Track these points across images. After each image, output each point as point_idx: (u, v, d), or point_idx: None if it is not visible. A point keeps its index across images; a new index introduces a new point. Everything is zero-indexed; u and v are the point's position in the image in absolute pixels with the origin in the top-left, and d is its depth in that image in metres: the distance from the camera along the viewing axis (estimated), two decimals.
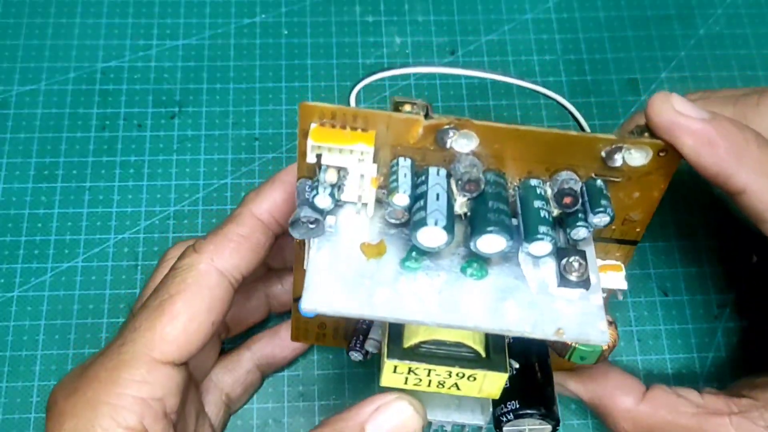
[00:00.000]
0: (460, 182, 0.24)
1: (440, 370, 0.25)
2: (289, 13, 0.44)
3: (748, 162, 0.25)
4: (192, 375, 0.31)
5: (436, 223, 0.23)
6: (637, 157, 0.25)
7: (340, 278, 0.24)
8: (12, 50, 0.42)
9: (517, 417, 0.27)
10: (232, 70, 0.43)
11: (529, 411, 0.27)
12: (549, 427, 0.28)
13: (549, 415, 0.27)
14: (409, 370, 0.25)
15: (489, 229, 0.24)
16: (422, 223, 0.23)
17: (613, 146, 0.25)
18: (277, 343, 0.35)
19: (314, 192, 0.24)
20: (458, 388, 0.26)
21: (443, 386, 0.26)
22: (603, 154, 0.25)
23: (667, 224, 0.40)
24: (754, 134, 0.26)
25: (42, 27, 0.43)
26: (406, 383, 0.26)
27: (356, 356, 0.30)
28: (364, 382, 0.36)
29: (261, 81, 0.42)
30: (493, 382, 0.26)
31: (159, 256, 0.38)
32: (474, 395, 0.26)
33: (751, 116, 0.30)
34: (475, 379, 0.26)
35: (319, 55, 0.43)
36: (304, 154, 0.24)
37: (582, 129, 0.27)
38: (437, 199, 0.24)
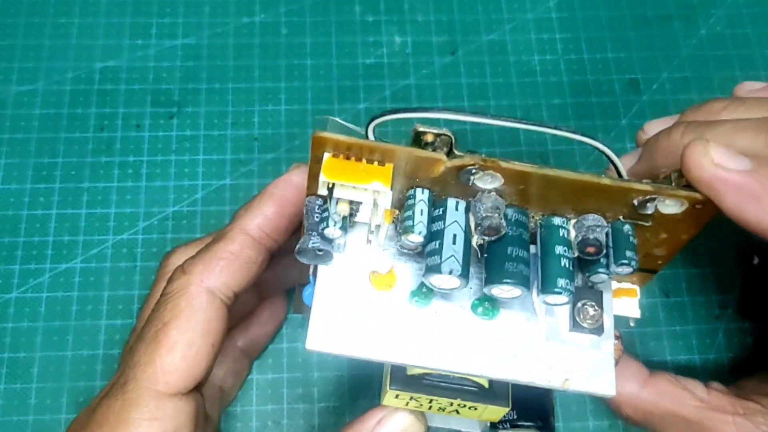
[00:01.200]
0: (479, 227, 0.23)
1: (442, 401, 0.25)
2: (289, 12, 0.44)
3: None
4: (217, 396, 0.31)
5: (450, 273, 0.22)
6: (670, 205, 0.24)
7: (347, 315, 0.24)
8: (10, 50, 0.42)
9: (513, 427, 0.27)
10: (231, 70, 0.42)
11: (525, 423, 0.27)
12: None
13: (546, 427, 0.27)
14: (411, 398, 0.25)
15: (506, 280, 0.23)
16: (436, 269, 0.22)
17: (648, 197, 0.23)
18: (255, 321, 0.35)
19: (324, 224, 0.23)
20: (458, 413, 0.26)
21: (443, 411, 0.26)
22: (636, 202, 0.23)
23: None
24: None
25: (40, 27, 0.43)
26: (407, 405, 0.26)
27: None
28: (363, 383, 0.36)
29: (260, 81, 0.42)
30: (493, 413, 0.26)
31: (158, 257, 0.38)
32: (474, 419, 0.26)
33: None
34: (476, 409, 0.25)
35: (318, 54, 0.43)
36: (315, 177, 0.23)
37: (620, 175, 0.25)
38: (454, 242, 0.23)
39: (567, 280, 0.23)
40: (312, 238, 0.23)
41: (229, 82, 0.42)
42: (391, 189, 0.22)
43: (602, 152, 0.24)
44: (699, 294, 0.38)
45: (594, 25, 0.45)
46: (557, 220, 0.24)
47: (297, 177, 0.29)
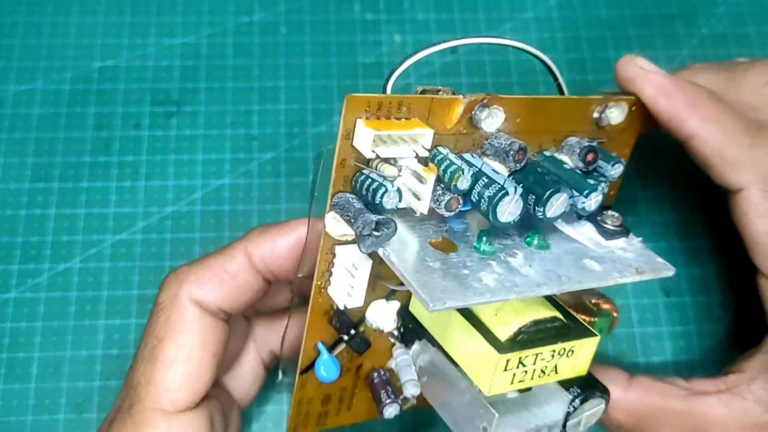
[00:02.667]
0: (510, 153, 0.24)
1: (545, 352, 0.25)
2: (288, 11, 0.44)
3: (699, 111, 0.28)
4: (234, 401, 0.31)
5: (515, 191, 0.23)
6: (616, 114, 0.28)
7: (442, 274, 0.23)
8: (8, 49, 0.42)
9: (582, 402, 0.26)
10: (230, 69, 0.42)
11: (590, 392, 0.27)
12: (603, 402, 0.27)
13: (604, 389, 0.27)
14: (519, 363, 0.24)
15: (557, 188, 0.24)
16: (502, 194, 0.23)
17: (603, 105, 0.28)
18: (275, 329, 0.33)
19: (381, 191, 0.23)
20: (556, 372, 0.25)
21: (544, 374, 0.25)
22: (596, 115, 0.28)
23: (670, 225, 0.40)
24: (707, 91, 0.29)
25: (39, 26, 0.43)
26: (512, 382, 0.24)
27: (393, 411, 0.27)
28: None
29: (260, 80, 0.42)
30: (587, 350, 0.26)
31: (157, 257, 0.38)
32: (569, 376, 0.26)
33: (739, 80, 0.31)
34: (572, 352, 0.25)
35: (318, 53, 0.43)
36: (343, 161, 0.23)
37: (555, 79, 0.29)
38: (496, 172, 0.24)
39: (592, 180, 0.26)
40: (366, 218, 0.22)
41: (228, 81, 0.42)
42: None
43: (537, 57, 0.28)
44: (700, 294, 0.38)
45: (595, 24, 0.45)
46: (548, 153, 0.27)
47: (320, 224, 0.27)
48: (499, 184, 0.23)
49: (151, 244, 0.38)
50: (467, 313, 0.25)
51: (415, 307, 0.27)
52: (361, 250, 0.23)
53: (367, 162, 0.23)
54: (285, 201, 0.39)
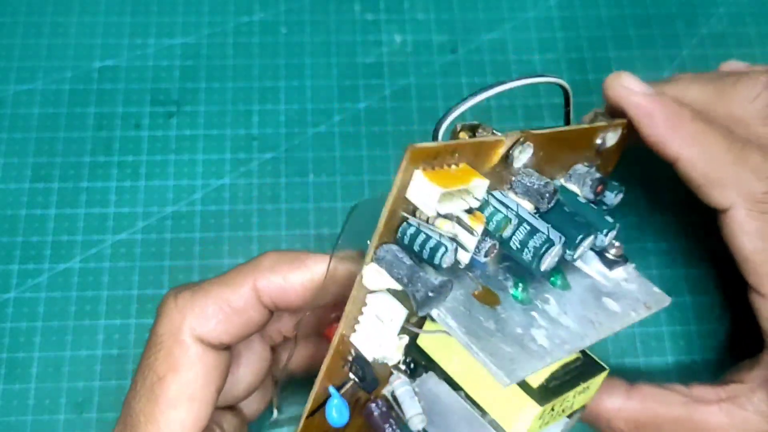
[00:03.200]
0: (545, 196, 0.24)
1: (571, 395, 0.25)
2: (288, 11, 0.44)
3: (682, 133, 0.28)
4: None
5: (560, 240, 0.23)
6: (611, 137, 0.29)
7: (502, 337, 0.22)
8: (8, 49, 0.42)
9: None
10: (230, 69, 0.42)
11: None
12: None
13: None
14: (551, 408, 0.24)
15: (589, 232, 0.24)
16: (549, 245, 0.23)
17: (606, 132, 0.28)
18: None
19: (441, 251, 0.21)
20: (572, 407, 0.26)
21: (563, 412, 0.25)
22: (598, 141, 0.28)
23: (670, 225, 0.40)
24: (691, 110, 0.29)
25: (39, 26, 0.43)
26: (540, 426, 0.24)
27: None
28: None
29: (260, 80, 0.42)
30: (597, 383, 0.26)
31: (157, 257, 0.38)
32: (578, 407, 0.26)
33: (728, 94, 0.31)
34: (588, 388, 0.25)
35: (318, 53, 0.43)
36: (393, 213, 0.21)
37: (567, 104, 0.28)
38: (536, 218, 0.24)
39: (609, 218, 0.26)
40: (426, 284, 0.21)
41: (228, 81, 0.42)
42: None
43: (560, 86, 0.27)
44: (700, 294, 0.38)
45: (595, 24, 0.45)
46: (558, 182, 0.27)
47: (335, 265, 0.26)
48: (544, 234, 0.23)
49: (151, 244, 0.38)
50: None
51: (427, 344, 0.26)
52: (417, 312, 0.21)
53: (414, 212, 0.22)
54: (285, 201, 0.39)
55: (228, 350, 0.27)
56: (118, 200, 0.39)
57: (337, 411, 0.25)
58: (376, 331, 0.23)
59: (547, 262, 0.24)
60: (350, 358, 0.25)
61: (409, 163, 0.21)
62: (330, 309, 0.28)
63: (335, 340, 0.24)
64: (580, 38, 0.44)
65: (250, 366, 0.29)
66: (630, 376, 0.36)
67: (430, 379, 0.27)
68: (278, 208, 0.39)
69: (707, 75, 0.33)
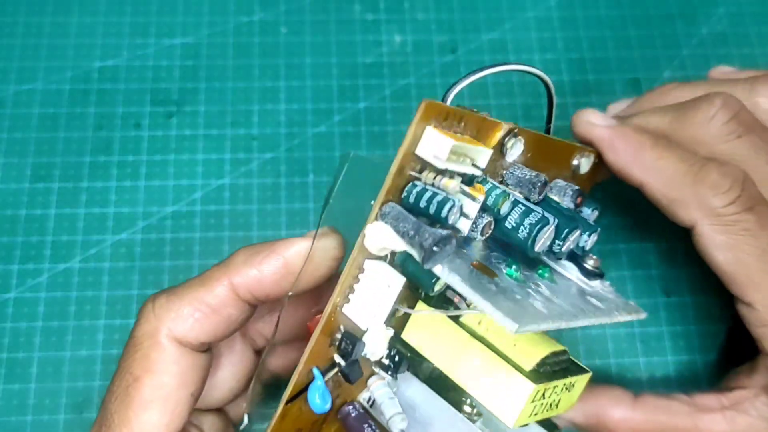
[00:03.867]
0: (536, 186, 0.25)
1: (559, 386, 0.25)
2: (288, 11, 0.44)
3: (642, 160, 0.30)
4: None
5: (553, 221, 0.24)
6: (585, 165, 0.30)
7: (504, 297, 0.22)
8: (8, 49, 0.42)
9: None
10: (230, 69, 0.42)
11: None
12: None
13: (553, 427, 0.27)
14: (542, 395, 0.24)
15: (576, 225, 0.25)
16: (543, 223, 0.24)
17: (581, 153, 0.30)
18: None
19: (449, 204, 0.22)
20: (557, 407, 0.26)
21: (550, 408, 0.25)
22: (575, 162, 0.30)
23: (670, 225, 0.40)
24: (651, 138, 0.30)
25: (39, 26, 0.43)
26: (530, 415, 0.24)
27: None
28: None
29: (260, 80, 0.42)
30: (580, 385, 0.26)
31: (157, 257, 0.38)
32: (563, 411, 0.26)
33: (688, 118, 0.32)
34: (573, 386, 0.26)
35: (318, 53, 0.43)
36: (401, 170, 0.22)
37: (550, 97, 0.29)
38: (530, 203, 0.25)
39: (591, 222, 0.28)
40: (434, 234, 0.21)
41: (228, 81, 0.42)
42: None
43: (539, 77, 0.28)
44: (700, 294, 0.38)
45: (595, 24, 0.45)
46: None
47: (317, 251, 0.26)
48: (539, 212, 0.24)
49: (151, 244, 0.38)
50: (487, 343, 0.25)
51: (412, 335, 0.26)
52: (423, 264, 0.21)
53: (420, 172, 0.22)
54: (285, 201, 0.39)
55: (208, 352, 0.27)
56: (118, 200, 0.39)
57: (320, 396, 0.24)
58: (372, 299, 0.23)
59: (541, 243, 0.24)
60: (338, 335, 0.24)
61: (421, 118, 0.21)
62: (310, 302, 0.28)
63: (327, 310, 0.24)
64: (580, 38, 0.44)
65: (233, 368, 0.29)
66: (630, 375, 0.36)
67: (407, 386, 0.27)
68: (278, 208, 0.39)
69: (670, 104, 0.34)
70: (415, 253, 0.21)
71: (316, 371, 0.24)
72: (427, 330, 0.25)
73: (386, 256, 0.23)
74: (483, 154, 0.23)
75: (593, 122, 0.31)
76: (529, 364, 0.24)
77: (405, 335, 0.26)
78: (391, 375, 0.26)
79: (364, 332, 0.24)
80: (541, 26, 0.45)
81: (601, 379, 0.36)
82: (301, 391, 0.24)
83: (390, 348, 0.25)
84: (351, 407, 0.26)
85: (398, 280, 0.23)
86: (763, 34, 0.45)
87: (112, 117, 0.41)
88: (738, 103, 0.31)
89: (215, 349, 0.28)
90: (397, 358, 0.25)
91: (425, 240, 0.21)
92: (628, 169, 0.30)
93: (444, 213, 0.22)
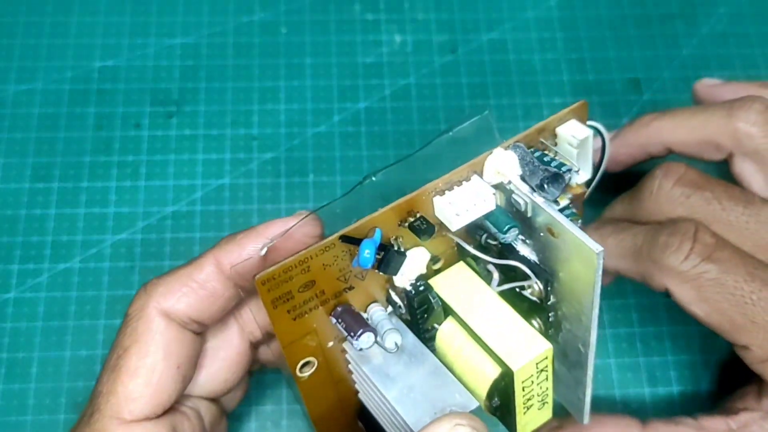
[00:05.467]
0: (536, 172, 0.27)
1: (549, 385, 0.26)
2: (288, 11, 0.44)
3: (608, 251, 0.31)
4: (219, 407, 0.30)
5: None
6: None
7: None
8: (8, 49, 0.42)
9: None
10: (230, 69, 0.42)
11: None
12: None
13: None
14: (543, 369, 0.25)
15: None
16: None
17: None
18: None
19: (565, 167, 0.26)
20: (527, 411, 0.26)
21: (526, 403, 0.26)
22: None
23: None
24: (610, 227, 0.32)
25: (39, 26, 0.43)
26: (523, 382, 0.25)
27: (368, 339, 0.26)
28: None
29: (260, 80, 0.42)
30: (541, 419, 0.28)
31: (157, 257, 0.38)
32: (523, 424, 0.27)
33: (638, 196, 0.33)
34: (543, 405, 0.27)
35: (318, 53, 0.43)
36: (541, 130, 0.26)
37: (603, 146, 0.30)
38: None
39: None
40: (547, 167, 0.25)
41: (228, 81, 0.42)
42: None
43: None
44: None
45: (595, 24, 0.45)
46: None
47: (298, 230, 0.26)
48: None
49: (151, 244, 0.38)
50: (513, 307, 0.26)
51: (439, 284, 0.27)
52: (538, 185, 0.25)
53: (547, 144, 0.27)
54: (285, 201, 0.39)
55: (200, 336, 0.28)
56: (118, 200, 0.39)
57: (371, 252, 0.24)
58: (462, 203, 0.25)
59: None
60: (412, 218, 0.25)
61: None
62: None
63: (422, 189, 0.25)
64: (580, 38, 0.44)
65: (228, 360, 0.30)
66: (630, 375, 0.36)
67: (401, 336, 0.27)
68: (278, 207, 0.39)
69: (627, 192, 0.34)
70: (526, 186, 0.25)
71: (378, 231, 0.25)
72: (456, 285, 0.27)
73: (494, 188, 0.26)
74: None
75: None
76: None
77: (433, 282, 0.27)
78: (398, 309, 0.27)
79: (434, 227, 0.25)
80: (542, 26, 0.45)
81: (601, 380, 0.36)
82: (357, 241, 0.25)
83: (415, 283, 0.26)
84: (341, 308, 0.26)
85: (491, 203, 0.25)
86: (763, 33, 0.45)
87: (112, 117, 0.41)
88: (680, 166, 0.32)
89: (211, 338, 0.29)
90: (413, 292, 0.26)
91: (547, 170, 0.25)
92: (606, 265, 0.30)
93: (563, 170, 0.26)
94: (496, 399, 0.26)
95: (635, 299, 0.38)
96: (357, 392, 0.29)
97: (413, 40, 0.44)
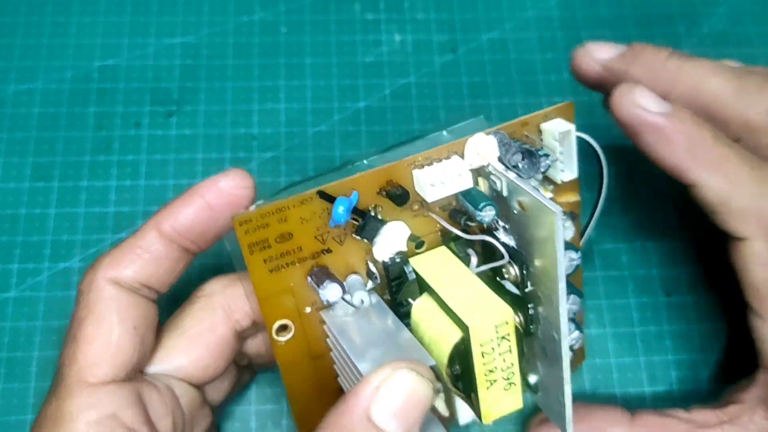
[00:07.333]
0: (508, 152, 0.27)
1: (516, 360, 0.26)
2: (288, 10, 0.44)
3: (703, 158, 0.27)
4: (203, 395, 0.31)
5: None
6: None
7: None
8: (8, 49, 0.42)
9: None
10: (230, 69, 0.42)
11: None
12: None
13: None
14: (504, 338, 0.25)
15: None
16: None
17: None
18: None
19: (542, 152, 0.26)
20: (508, 377, 0.26)
21: (483, 377, 0.26)
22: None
23: (671, 224, 0.40)
24: (712, 131, 0.27)
25: (38, 25, 0.43)
26: (483, 346, 0.25)
27: (336, 291, 0.26)
28: None
29: (259, 79, 0.42)
30: (517, 394, 0.27)
31: None
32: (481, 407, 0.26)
33: (751, 98, 0.30)
34: (510, 387, 0.26)
35: (318, 53, 0.43)
36: (525, 123, 0.27)
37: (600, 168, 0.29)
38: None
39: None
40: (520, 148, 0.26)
41: (228, 80, 0.42)
42: None
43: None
44: (701, 294, 0.38)
45: (595, 24, 0.45)
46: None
47: (225, 182, 0.28)
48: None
49: None
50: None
51: (417, 263, 0.28)
52: (508, 160, 0.26)
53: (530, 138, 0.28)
54: None
55: (153, 303, 0.29)
56: (118, 199, 0.39)
57: (345, 209, 0.26)
58: (440, 178, 0.26)
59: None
60: (389, 185, 0.27)
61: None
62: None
63: (405, 160, 0.26)
64: (581, 38, 0.44)
65: (211, 346, 0.29)
66: (630, 374, 0.36)
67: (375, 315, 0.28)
68: None
69: (731, 67, 0.31)
70: (502, 165, 0.26)
71: (355, 193, 0.26)
72: (435, 263, 0.28)
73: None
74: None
75: (647, 108, 0.27)
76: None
77: (412, 260, 0.28)
78: (374, 279, 0.28)
79: (409, 193, 0.27)
80: (542, 26, 0.45)
81: (602, 382, 0.36)
82: (333, 199, 0.26)
83: (393, 257, 0.27)
84: (317, 268, 0.27)
85: (467, 180, 0.27)
86: (763, 33, 0.45)
87: (112, 116, 0.41)
88: None
89: (194, 323, 0.29)
90: (390, 263, 0.27)
91: (515, 149, 0.26)
92: (685, 166, 0.27)
93: (539, 153, 0.26)
94: (456, 366, 0.26)
95: (636, 299, 0.38)
96: (336, 376, 0.29)
97: (413, 40, 0.44)
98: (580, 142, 0.27)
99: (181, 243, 0.28)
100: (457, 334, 0.25)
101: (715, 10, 0.46)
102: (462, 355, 0.26)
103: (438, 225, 0.28)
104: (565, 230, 0.29)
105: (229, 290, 0.29)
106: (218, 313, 0.29)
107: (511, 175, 0.25)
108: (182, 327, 0.29)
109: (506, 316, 0.25)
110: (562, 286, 0.24)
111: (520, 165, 0.26)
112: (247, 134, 0.41)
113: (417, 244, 0.28)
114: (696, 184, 0.28)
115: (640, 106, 0.27)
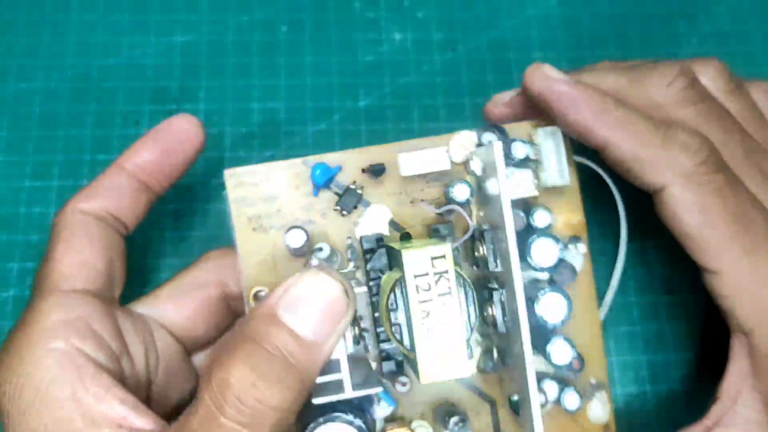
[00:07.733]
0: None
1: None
2: (288, 9, 0.44)
3: (608, 119, 0.29)
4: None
5: None
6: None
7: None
8: (8, 47, 0.42)
9: None
10: (230, 67, 0.42)
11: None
12: None
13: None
14: (433, 260, 0.26)
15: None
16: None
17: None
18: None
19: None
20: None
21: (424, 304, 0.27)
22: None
23: None
24: (613, 98, 0.29)
25: (39, 24, 0.43)
26: (415, 267, 0.25)
27: (299, 236, 0.28)
28: None
29: (259, 78, 0.42)
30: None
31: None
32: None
33: (645, 80, 0.31)
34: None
35: (318, 51, 0.43)
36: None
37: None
38: None
39: None
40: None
41: (228, 79, 0.42)
42: None
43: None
44: (703, 292, 0.38)
45: (596, 23, 0.45)
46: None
47: (177, 122, 0.32)
48: None
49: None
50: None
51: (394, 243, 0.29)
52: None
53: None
54: None
55: (122, 237, 0.31)
56: None
57: (320, 170, 0.29)
58: (420, 156, 0.29)
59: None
60: (369, 165, 0.29)
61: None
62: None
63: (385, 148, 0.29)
64: (581, 37, 0.44)
65: (198, 300, 0.32)
66: (632, 373, 0.36)
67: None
68: None
69: (624, 64, 0.33)
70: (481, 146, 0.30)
71: (339, 166, 0.29)
72: (411, 244, 0.28)
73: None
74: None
75: (553, 77, 0.29)
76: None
77: (391, 243, 0.29)
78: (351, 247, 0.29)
79: (384, 166, 0.29)
80: (542, 25, 0.45)
81: None
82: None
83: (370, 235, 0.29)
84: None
85: (446, 163, 0.30)
86: (764, 32, 0.45)
87: (112, 115, 0.41)
88: (692, 72, 0.31)
89: (187, 277, 0.32)
90: (365, 236, 0.29)
91: (488, 126, 0.30)
92: (592, 127, 0.29)
93: (516, 139, 0.30)
94: (393, 303, 0.26)
95: (636, 297, 0.38)
96: None
97: (413, 38, 0.44)
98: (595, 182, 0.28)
99: (142, 177, 0.31)
100: (398, 274, 0.25)
101: (715, 9, 0.46)
102: (401, 287, 0.25)
103: (423, 217, 0.29)
104: (572, 257, 0.30)
105: (227, 259, 0.32)
106: (211, 275, 0.32)
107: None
108: (176, 279, 0.32)
109: (444, 250, 0.24)
110: (512, 243, 0.25)
111: (491, 135, 0.29)
112: (247, 133, 0.41)
113: (402, 235, 0.29)
114: (606, 143, 0.29)
115: (550, 77, 0.29)
